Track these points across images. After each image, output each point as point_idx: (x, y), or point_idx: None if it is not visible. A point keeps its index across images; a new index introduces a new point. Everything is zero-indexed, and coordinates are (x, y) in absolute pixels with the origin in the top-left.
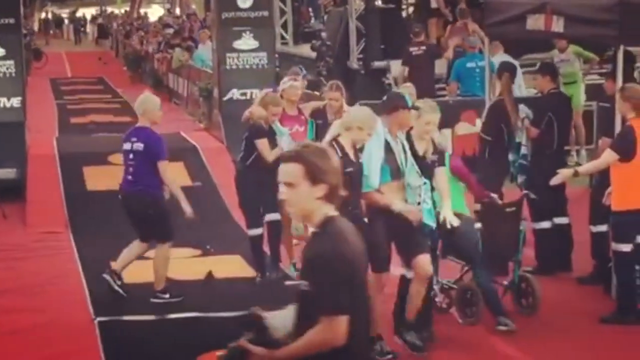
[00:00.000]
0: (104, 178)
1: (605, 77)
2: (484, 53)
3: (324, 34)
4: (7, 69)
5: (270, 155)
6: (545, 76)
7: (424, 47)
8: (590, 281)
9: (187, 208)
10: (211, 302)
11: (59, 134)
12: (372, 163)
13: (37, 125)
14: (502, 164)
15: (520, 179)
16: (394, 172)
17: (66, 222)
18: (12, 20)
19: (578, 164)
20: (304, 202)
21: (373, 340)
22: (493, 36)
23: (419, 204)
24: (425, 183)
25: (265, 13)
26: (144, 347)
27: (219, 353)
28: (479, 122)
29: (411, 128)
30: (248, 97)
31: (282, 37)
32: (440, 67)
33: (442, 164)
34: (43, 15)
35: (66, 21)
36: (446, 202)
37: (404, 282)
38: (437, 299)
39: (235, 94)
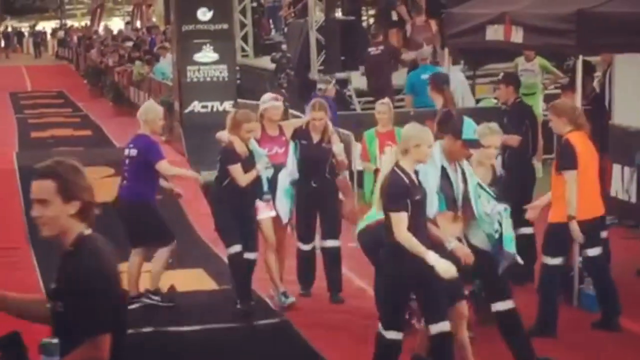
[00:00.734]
0: None
1: (562, 90)
2: (435, 64)
3: (284, 46)
4: None
5: (243, 180)
6: (509, 86)
7: (381, 47)
8: None
9: (194, 174)
10: (174, 315)
11: (19, 149)
12: (427, 189)
13: None
14: None
15: None
16: (449, 201)
17: (26, 238)
18: None
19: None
20: (56, 219)
21: None
22: (453, 47)
23: (496, 232)
24: (506, 209)
25: (226, 26)
26: None
27: None
28: None
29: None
30: (209, 109)
31: (243, 50)
32: (398, 78)
33: (501, 199)
34: (2, 29)
35: (26, 35)
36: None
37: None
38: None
39: (196, 106)
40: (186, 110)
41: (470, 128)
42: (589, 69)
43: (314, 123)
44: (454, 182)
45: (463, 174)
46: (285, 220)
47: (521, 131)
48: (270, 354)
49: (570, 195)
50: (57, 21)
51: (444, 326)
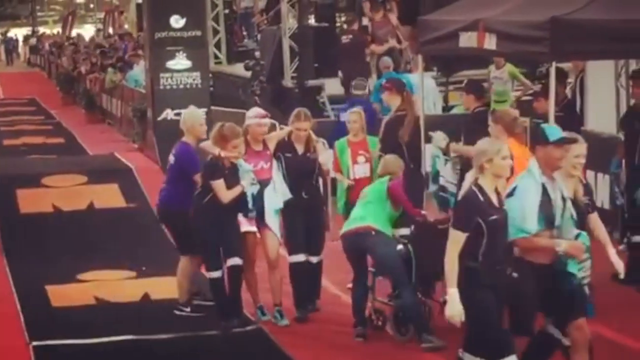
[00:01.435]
0: (37, 201)
1: (534, 96)
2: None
3: (257, 53)
4: None
5: (226, 196)
6: (469, 94)
7: (350, 36)
8: None
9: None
10: (147, 324)
11: None
12: (528, 204)
13: None
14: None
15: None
16: (547, 220)
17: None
18: None
19: None
20: None
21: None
22: (427, 54)
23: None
24: (579, 234)
25: (199, 33)
26: None
27: None
28: None
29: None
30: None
31: (216, 57)
32: (340, 87)
33: (595, 207)
34: None
35: None
36: (610, 250)
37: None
38: (372, 317)
39: (169, 114)
40: (159, 118)
41: (553, 130)
42: (561, 75)
43: (299, 134)
44: (553, 200)
45: (562, 191)
46: (278, 234)
47: (477, 139)
48: None
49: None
50: (29, 28)
51: None
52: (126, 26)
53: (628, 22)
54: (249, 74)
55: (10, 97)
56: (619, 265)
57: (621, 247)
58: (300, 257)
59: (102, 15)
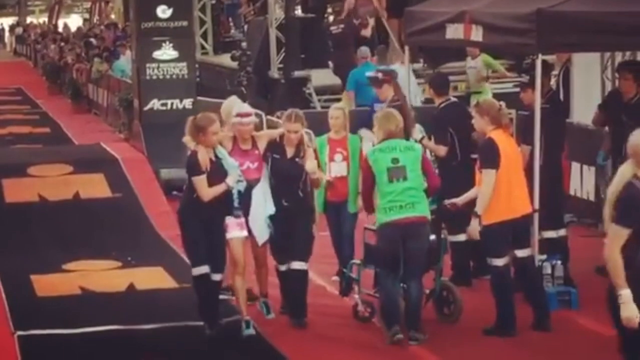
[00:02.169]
0: (23, 190)
1: (521, 88)
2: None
3: (244, 44)
4: None
5: (206, 193)
6: (430, 88)
7: (341, 26)
8: None
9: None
10: (133, 314)
11: None
12: None
13: None
14: None
15: None
16: None
17: None
18: None
19: None
20: None
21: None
22: (413, 45)
23: None
24: None
25: (185, 23)
26: None
27: None
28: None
29: None
30: (169, 107)
31: (203, 47)
32: (326, 78)
33: None
34: None
35: None
36: None
37: None
38: (358, 308)
39: (155, 104)
40: (145, 108)
41: None
42: (546, 67)
43: (289, 136)
44: None
45: None
46: (261, 241)
47: (443, 137)
48: (231, 352)
49: (484, 193)
50: (15, 17)
51: None
52: (112, 16)
53: (614, 15)
54: (235, 64)
55: None
56: None
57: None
58: (283, 267)
59: (88, 5)
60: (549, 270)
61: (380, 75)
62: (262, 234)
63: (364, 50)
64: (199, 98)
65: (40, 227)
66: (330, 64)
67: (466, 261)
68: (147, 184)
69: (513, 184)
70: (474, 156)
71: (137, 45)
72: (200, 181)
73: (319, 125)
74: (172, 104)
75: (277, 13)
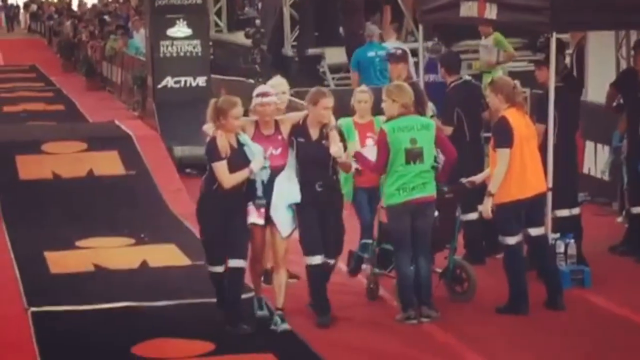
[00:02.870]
0: (37, 167)
1: (535, 66)
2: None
3: (258, 22)
4: None
5: (227, 180)
6: (441, 67)
7: None
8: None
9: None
10: (146, 291)
11: None
12: None
13: None
14: None
15: None
16: None
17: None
18: None
19: None
20: None
21: None
22: (427, 23)
23: None
24: None
25: (199, 0)
26: (79, 337)
27: None
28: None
29: None
30: (182, 85)
31: (217, 25)
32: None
33: None
34: None
35: None
36: None
37: None
38: (372, 287)
39: (169, 81)
40: (159, 86)
41: None
42: (560, 46)
43: (325, 113)
44: None
45: None
46: (285, 234)
47: (450, 118)
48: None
49: (499, 172)
50: None
51: None
52: None
53: None
54: (249, 42)
55: (11, 64)
56: None
57: (619, 218)
58: (318, 259)
59: None
60: (562, 249)
61: (400, 52)
62: (285, 225)
63: (371, 28)
64: (212, 76)
65: (54, 204)
66: (341, 29)
67: (479, 240)
68: (161, 162)
69: (527, 163)
70: (487, 135)
71: (150, 23)
72: (221, 166)
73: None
74: (185, 81)
75: None
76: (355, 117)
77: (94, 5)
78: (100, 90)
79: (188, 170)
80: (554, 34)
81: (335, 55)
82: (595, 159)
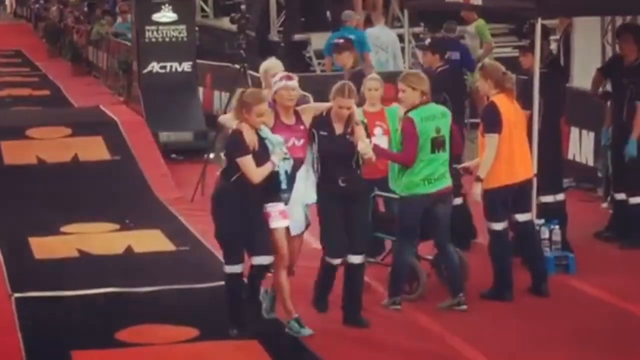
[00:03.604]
0: (22, 152)
1: (520, 52)
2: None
3: (243, 7)
4: None
5: (256, 175)
6: (435, 54)
7: None
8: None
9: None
10: (130, 276)
11: None
12: None
13: None
14: None
15: None
16: None
17: None
18: None
19: None
20: None
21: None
22: (413, 9)
23: None
24: None
25: None
26: (62, 322)
27: None
28: None
29: None
30: (168, 70)
31: (203, 10)
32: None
33: None
34: None
35: None
36: None
37: None
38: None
39: (155, 67)
40: (144, 71)
41: None
42: (545, 32)
43: (341, 112)
44: None
45: None
46: (296, 232)
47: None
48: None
49: (487, 158)
50: None
51: None
52: None
53: None
54: (235, 27)
55: None
56: None
57: (604, 204)
58: (337, 261)
59: None
60: (546, 235)
61: (342, 41)
62: (297, 223)
63: (348, 13)
64: (198, 61)
65: (38, 190)
66: (328, 15)
67: (463, 225)
68: (146, 147)
69: (515, 149)
70: (472, 120)
71: (136, 8)
72: (248, 161)
73: (319, 89)
74: (171, 66)
75: None
76: (365, 106)
77: None
78: (85, 76)
79: (173, 155)
80: (539, 20)
81: (321, 40)
82: (580, 145)
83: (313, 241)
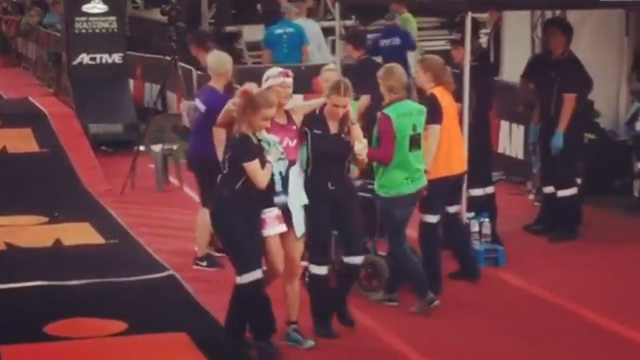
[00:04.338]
0: None
1: (452, 45)
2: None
3: None
4: None
5: (263, 179)
6: (348, 44)
7: None
8: None
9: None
10: (59, 270)
11: None
12: None
13: None
14: None
15: None
16: None
17: None
18: None
19: None
20: None
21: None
22: (343, 1)
23: None
24: None
25: None
26: None
27: None
28: None
29: None
30: (98, 61)
31: (134, 1)
32: (258, 34)
33: None
34: None
35: None
36: None
37: None
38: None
39: (84, 58)
40: (74, 62)
41: None
42: (475, 26)
43: (336, 110)
44: None
45: None
46: (299, 233)
47: (365, 87)
48: (156, 308)
49: (431, 148)
50: None
51: None
52: None
53: None
54: (166, 19)
55: None
56: None
57: (531, 196)
58: (324, 270)
59: None
60: (476, 228)
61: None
62: (300, 223)
63: (286, 6)
64: (128, 53)
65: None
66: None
67: None
68: (76, 139)
69: (452, 142)
70: None
71: None
72: (256, 167)
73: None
74: (101, 58)
75: None
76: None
77: None
78: (15, 67)
79: (103, 147)
80: (470, 14)
81: (253, 32)
82: (510, 139)
83: None
